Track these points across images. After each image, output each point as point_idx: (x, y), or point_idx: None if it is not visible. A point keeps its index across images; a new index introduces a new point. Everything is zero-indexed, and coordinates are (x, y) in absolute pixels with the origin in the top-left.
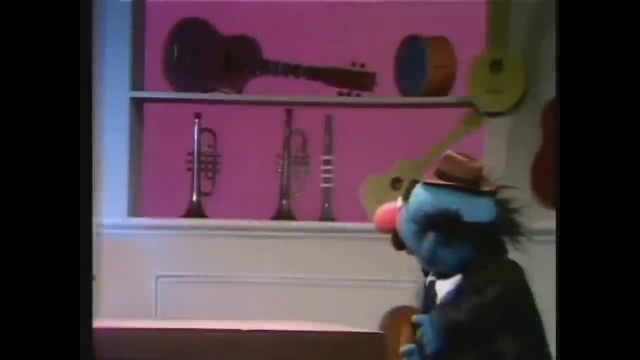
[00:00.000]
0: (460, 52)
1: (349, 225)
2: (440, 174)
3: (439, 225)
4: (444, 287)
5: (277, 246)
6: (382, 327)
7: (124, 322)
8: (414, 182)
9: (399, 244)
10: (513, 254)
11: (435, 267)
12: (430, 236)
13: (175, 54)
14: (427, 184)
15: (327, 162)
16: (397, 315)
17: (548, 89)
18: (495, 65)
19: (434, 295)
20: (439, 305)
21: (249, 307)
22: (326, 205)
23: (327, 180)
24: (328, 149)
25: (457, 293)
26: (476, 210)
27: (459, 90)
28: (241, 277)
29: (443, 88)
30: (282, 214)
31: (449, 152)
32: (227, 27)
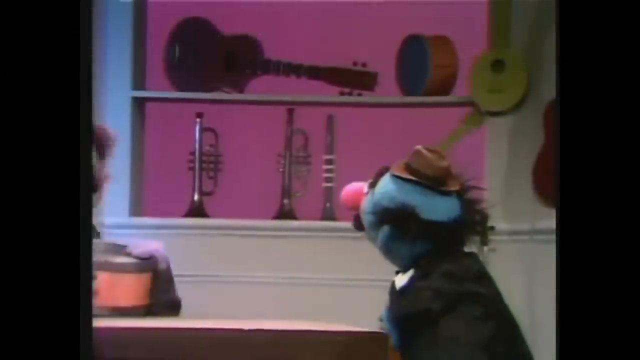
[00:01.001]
0: (461, 51)
1: (350, 225)
2: (408, 168)
3: (394, 220)
4: (400, 282)
5: (279, 246)
6: (382, 326)
7: (124, 322)
8: (383, 170)
9: (360, 225)
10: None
11: (389, 259)
12: (385, 229)
13: (177, 54)
14: (394, 176)
15: (328, 162)
16: None
17: (549, 89)
18: (497, 65)
19: (394, 290)
20: (394, 299)
21: (250, 307)
22: (328, 204)
23: (328, 179)
24: (329, 149)
25: (409, 285)
26: (437, 209)
27: (461, 89)
28: (242, 276)
29: (444, 87)
30: (284, 214)
31: (418, 147)
32: (228, 26)
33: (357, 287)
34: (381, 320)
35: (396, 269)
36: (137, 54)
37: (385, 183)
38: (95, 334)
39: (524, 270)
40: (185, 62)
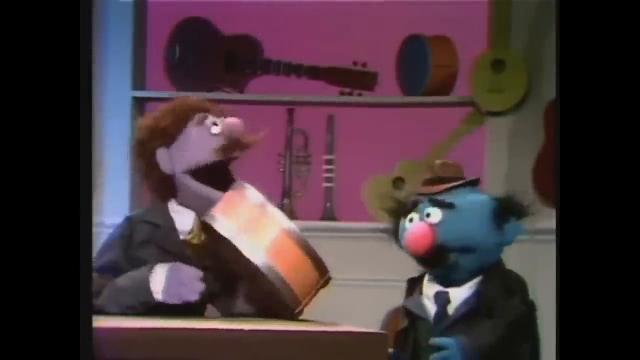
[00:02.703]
0: (462, 51)
1: (350, 224)
2: (438, 181)
3: (515, 209)
4: (459, 295)
5: None
6: (383, 326)
7: (124, 322)
8: (418, 197)
9: (438, 257)
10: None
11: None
12: (513, 221)
13: (177, 54)
14: (449, 189)
15: (328, 162)
16: (398, 316)
17: (550, 89)
18: (497, 65)
19: (447, 303)
20: (459, 317)
21: None
22: (328, 204)
23: (328, 179)
24: (330, 149)
25: (477, 300)
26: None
27: (461, 89)
28: None
29: (445, 87)
30: (284, 214)
31: (440, 160)
32: (228, 26)
33: (357, 287)
34: (442, 348)
35: (407, 281)
36: (137, 54)
37: (461, 198)
38: (95, 334)
39: (524, 270)
40: (185, 62)
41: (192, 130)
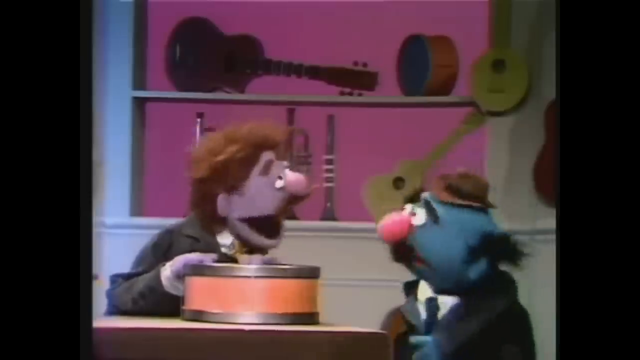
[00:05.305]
0: (462, 51)
1: (350, 225)
2: (454, 191)
3: (495, 249)
4: (448, 302)
5: (279, 245)
6: (383, 327)
7: (124, 322)
8: (420, 191)
9: (405, 255)
10: None
11: (446, 282)
12: (483, 262)
13: (178, 54)
14: (453, 204)
15: (329, 162)
16: (399, 316)
17: (550, 89)
18: (498, 65)
19: (437, 310)
20: (445, 324)
21: None
22: (328, 204)
23: (329, 179)
24: (330, 149)
25: (464, 307)
26: (494, 227)
27: (461, 89)
28: None
29: (445, 87)
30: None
31: (463, 170)
32: (229, 26)
33: (357, 287)
34: (420, 346)
35: (403, 285)
36: (137, 53)
37: (461, 216)
38: (95, 334)
39: (524, 270)
40: (185, 62)
41: (256, 182)
